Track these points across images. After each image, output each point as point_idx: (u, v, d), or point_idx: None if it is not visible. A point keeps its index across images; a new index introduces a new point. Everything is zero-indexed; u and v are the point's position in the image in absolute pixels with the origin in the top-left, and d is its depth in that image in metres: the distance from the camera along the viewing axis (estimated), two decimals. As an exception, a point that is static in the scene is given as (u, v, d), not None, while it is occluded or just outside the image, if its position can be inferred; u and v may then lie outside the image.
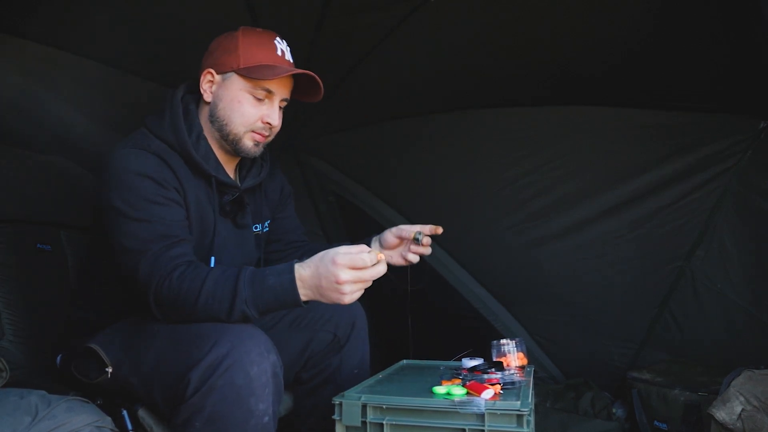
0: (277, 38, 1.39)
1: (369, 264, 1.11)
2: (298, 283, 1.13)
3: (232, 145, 1.38)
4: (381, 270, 1.13)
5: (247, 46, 1.34)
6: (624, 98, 2.00)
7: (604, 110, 2.07)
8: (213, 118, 1.38)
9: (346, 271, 1.10)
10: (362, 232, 2.95)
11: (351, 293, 1.11)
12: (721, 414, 1.56)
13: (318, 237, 3.01)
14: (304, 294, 1.14)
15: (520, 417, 1.07)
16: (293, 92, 1.43)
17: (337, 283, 1.10)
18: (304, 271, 1.14)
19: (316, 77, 1.38)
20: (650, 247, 2.19)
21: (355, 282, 1.11)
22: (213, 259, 1.37)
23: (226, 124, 1.36)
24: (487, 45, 1.84)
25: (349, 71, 2.08)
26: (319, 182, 2.91)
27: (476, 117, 2.29)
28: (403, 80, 2.13)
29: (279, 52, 1.37)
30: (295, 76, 1.40)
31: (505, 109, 2.21)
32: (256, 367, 1.11)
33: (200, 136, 1.36)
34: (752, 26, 1.47)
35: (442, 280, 2.76)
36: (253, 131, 1.37)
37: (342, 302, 1.12)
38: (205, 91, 1.37)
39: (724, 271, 2.07)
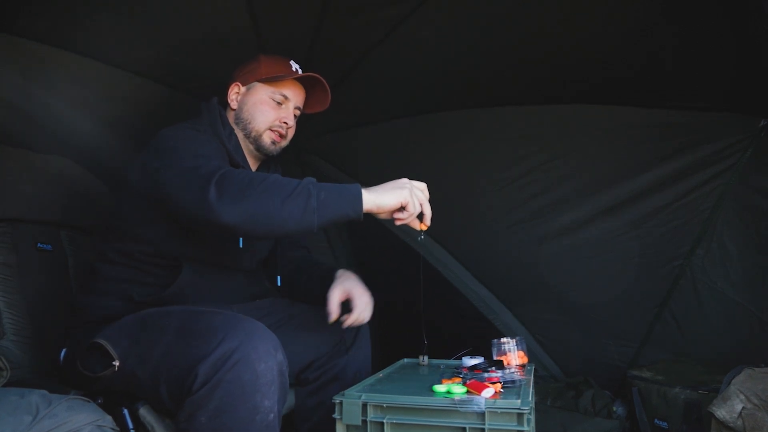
0: (292, 60, 1.63)
1: (422, 185, 1.33)
2: (363, 188, 1.24)
3: (254, 142, 1.59)
4: (427, 194, 1.33)
5: (268, 63, 1.61)
6: (624, 97, 2.00)
7: (605, 109, 2.07)
8: (238, 120, 1.60)
9: (406, 179, 1.31)
10: (363, 231, 2.96)
11: (411, 187, 1.28)
12: (721, 412, 1.56)
13: (319, 237, 3.01)
14: (367, 192, 1.24)
15: (520, 415, 1.07)
16: (304, 106, 1.66)
17: (400, 180, 1.29)
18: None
19: (324, 82, 1.59)
20: (650, 246, 2.19)
21: (411, 183, 1.29)
22: (241, 240, 1.50)
23: (249, 123, 1.58)
24: (488, 44, 1.84)
25: (349, 71, 2.08)
26: (319, 181, 2.90)
27: (476, 116, 2.29)
28: (402, 79, 2.13)
29: (294, 69, 1.62)
30: (306, 90, 1.64)
31: (506, 108, 2.21)
32: (263, 363, 1.13)
33: (232, 133, 1.56)
34: (753, 25, 1.47)
35: (442, 279, 2.77)
36: (271, 129, 1.58)
37: (403, 191, 1.26)
38: (232, 100, 1.61)
39: (724, 270, 2.07)
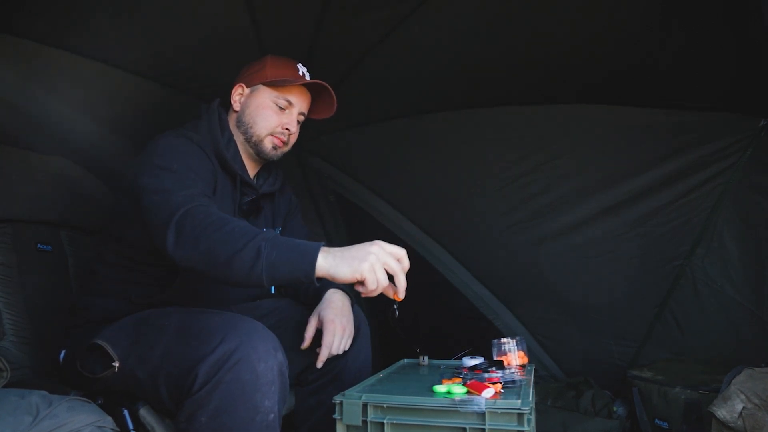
0: (300, 63, 1.60)
1: (401, 253, 1.16)
2: (324, 248, 1.13)
3: (254, 147, 1.55)
4: (406, 263, 1.16)
5: (274, 65, 1.56)
6: (624, 97, 2.00)
7: (605, 109, 2.07)
8: (239, 123, 1.56)
9: (383, 243, 1.15)
10: (362, 231, 2.97)
11: (377, 258, 1.12)
12: (721, 412, 1.56)
13: (319, 237, 3.01)
14: (323, 256, 1.12)
15: (520, 416, 1.07)
16: (309, 112, 1.63)
17: (371, 245, 1.14)
18: (336, 247, 1.15)
19: (330, 89, 1.56)
20: (651, 246, 2.19)
21: (384, 251, 1.13)
22: None
23: (250, 127, 1.54)
24: (488, 44, 1.84)
25: (349, 71, 2.08)
26: (319, 181, 2.91)
27: (476, 116, 2.29)
28: (403, 79, 2.13)
29: (301, 73, 1.57)
30: (312, 95, 1.61)
31: (506, 107, 2.21)
32: (263, 363, 1.13)
33: (230, 140, 1.53)
34: (753, 25, 1.47)
35: (442, 279, 2.77)
36: (273, 135, 1.54)
37: (362, 264, 1.10)
38: (235, 101, 1.57)
39: (724, 270, 2.07)
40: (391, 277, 1.15)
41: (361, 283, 1.12)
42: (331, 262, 1.12)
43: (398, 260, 1.15)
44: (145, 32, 1.76)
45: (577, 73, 1.92)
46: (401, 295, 1.17)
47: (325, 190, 2.93)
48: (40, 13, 1.63)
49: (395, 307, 1.27)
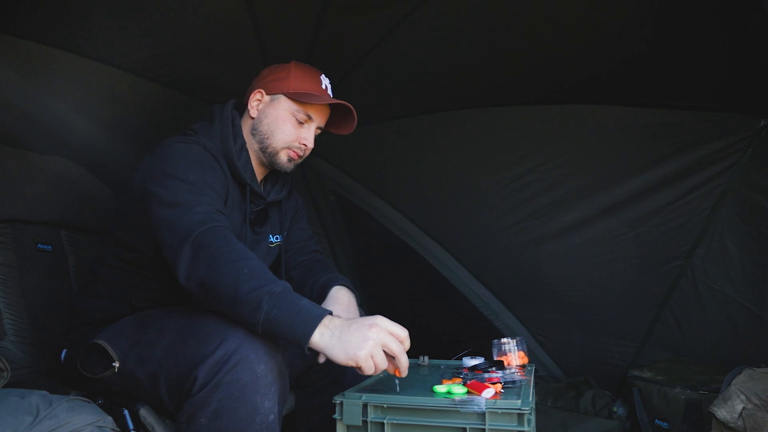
0: (323, 75, 1.56)
1: (403, 334, 1.13)
2: (325, 320, 1.10)
3: (268, 158, 1.52)
4: (407, 344, 1.14)
5: (298, 75, 1.52)
6: (624, 97, 1.99)
7: (604, 109, 2.07)
8: (255, 132, 1.52)
9: (385, 322, 1.12)
10: (363, 231, 2.96)
11: (375, 343, 1.09)
12: (722, 412, 1.56)
13: (319, 237, 3.01)
14: (320, 332, 1.09)
15: (521, 416, 1.07)
16: (326, 125, 1.60)
17: (371, 326, 1.10)
18: (338, 318, 1.13)
19: (353, 109, 1.53)
20: (651, 246, 2.19)
21: (384, 332, 1.11)
22: None
23: (267, 138, 1.50)
24: (488, 44, 1.84)
25: (349, 71, 2.08)
26: (319, 182, 2.91)
27: (476, 116, 2.29)
28: (403, 79, 2.13)
29: (323, 86, 1.54)
30: (331, 109, 1.57)
31: (506, 107, 2.21)
32: (263, 365, 1.12)
33: (243, 148, 1.50)
34: (752, 24, 1.47)
35: (442, 279, 2.77)
36: (289, 148, 1.51)
37: (359, 352, 1.08)
38: (252, 107, 1.52)
39: (724, 270, 2.07)
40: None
41: (358, 366, 1.10)
42: (327, 341, 1.09)
43: (400, 340, 1.13)
44: (145, 32, 1.76)
45: (576, 72, 1.92)
46: (404, 373, 1.16)
47: (326, 190, 2.93)
48: (40, 13, 1.63)
49: (397, 382, 1.26)
